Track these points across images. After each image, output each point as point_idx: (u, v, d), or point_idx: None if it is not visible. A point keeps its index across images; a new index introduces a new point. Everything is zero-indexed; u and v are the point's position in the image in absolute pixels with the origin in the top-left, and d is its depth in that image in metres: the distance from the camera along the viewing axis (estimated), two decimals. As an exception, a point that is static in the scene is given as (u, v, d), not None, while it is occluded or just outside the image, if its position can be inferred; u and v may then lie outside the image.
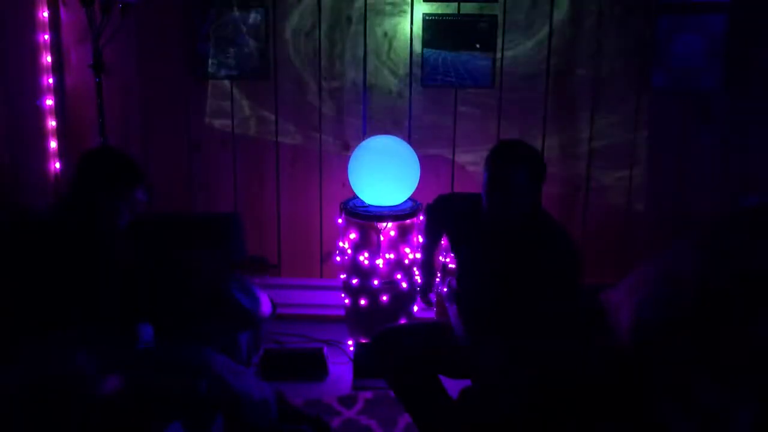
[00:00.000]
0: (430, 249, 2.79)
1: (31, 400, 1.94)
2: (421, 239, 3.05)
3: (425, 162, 3.36)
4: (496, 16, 3.41)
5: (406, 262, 3.17)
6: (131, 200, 2.38)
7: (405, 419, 2.74)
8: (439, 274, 3.18)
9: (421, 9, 3.43)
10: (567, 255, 2.22)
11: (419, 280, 2.94)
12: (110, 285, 2.27)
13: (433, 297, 2.77)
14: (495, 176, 2.20)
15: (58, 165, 3.49)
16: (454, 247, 2.56)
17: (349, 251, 3.21)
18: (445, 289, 2.56)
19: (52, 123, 3.46)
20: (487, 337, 2.28)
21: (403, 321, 3.20)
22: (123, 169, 2.38)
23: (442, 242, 2.81)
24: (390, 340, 2.52)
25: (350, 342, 3.33)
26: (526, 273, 2.19)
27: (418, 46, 3.46)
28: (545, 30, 3.42)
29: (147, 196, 2.49)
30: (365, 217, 3.15)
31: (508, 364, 2.18)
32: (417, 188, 3.25)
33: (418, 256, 3.08)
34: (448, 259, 3.23)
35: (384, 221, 3.12)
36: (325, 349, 3.25)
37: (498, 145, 2.28)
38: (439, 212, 2.72)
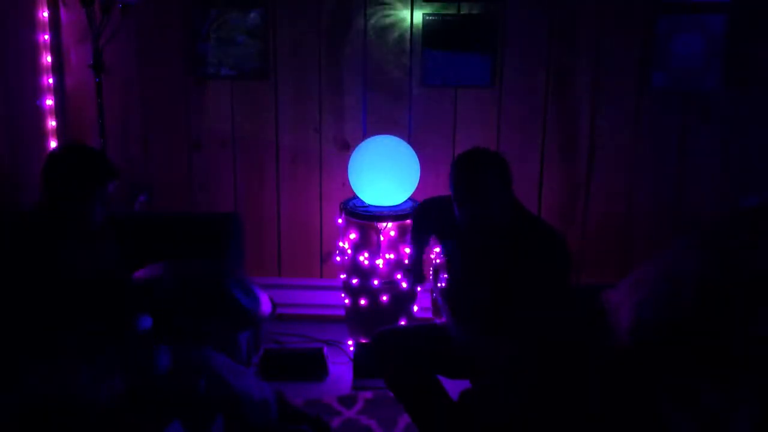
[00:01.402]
0: (418, 248, 2.82)
1: (30, 412, 1.93)
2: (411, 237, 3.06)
3: (425, 162, 3.36)
4: (496, 15, 3.41)
5: (406, 262, 3.17)
6: (100, 196, 2.32)
7: (405, 419, 2.74)
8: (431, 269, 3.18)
9: (421, 9, 3.43)
10: (555, 252, 2.23)
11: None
12: (91, 285, 2.25)
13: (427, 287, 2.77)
14: (467, 185, 2.20)
15: (58, 165, 3.49)
16: (443, 249, 2.57)
17: (349, 251, 3.20)
18: (440, 285, 2.56)
19: (52, 123, 3.46)
20: (486, 338, 2.28)
21: (403, 321, 3.20)
22: (86, 165, 2.30)
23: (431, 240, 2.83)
24: (390, 341, 2.52)
25: (350, 342, 3.33)
26: (515, 272, 2.20)
27: (418, 46, 3.46)
28: (545, 30, 3.42)
29: (148, 196, 2.47)
30: (365, 217, 3.15)
31: (508, 365, 2.18)
32: (417, 188, 3.25)
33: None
34: (436, 258, 3.22)
35: (384, 221, 3.12)
36: (325, 349, 3.26)
37: (460, 157, 2.28)
38: (425, 217, 2.74)
